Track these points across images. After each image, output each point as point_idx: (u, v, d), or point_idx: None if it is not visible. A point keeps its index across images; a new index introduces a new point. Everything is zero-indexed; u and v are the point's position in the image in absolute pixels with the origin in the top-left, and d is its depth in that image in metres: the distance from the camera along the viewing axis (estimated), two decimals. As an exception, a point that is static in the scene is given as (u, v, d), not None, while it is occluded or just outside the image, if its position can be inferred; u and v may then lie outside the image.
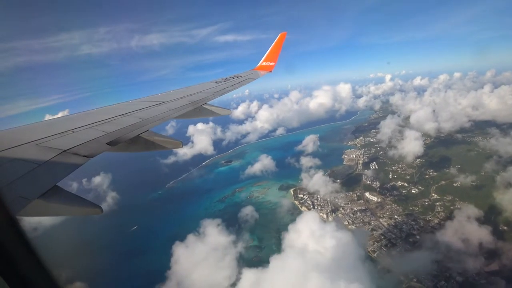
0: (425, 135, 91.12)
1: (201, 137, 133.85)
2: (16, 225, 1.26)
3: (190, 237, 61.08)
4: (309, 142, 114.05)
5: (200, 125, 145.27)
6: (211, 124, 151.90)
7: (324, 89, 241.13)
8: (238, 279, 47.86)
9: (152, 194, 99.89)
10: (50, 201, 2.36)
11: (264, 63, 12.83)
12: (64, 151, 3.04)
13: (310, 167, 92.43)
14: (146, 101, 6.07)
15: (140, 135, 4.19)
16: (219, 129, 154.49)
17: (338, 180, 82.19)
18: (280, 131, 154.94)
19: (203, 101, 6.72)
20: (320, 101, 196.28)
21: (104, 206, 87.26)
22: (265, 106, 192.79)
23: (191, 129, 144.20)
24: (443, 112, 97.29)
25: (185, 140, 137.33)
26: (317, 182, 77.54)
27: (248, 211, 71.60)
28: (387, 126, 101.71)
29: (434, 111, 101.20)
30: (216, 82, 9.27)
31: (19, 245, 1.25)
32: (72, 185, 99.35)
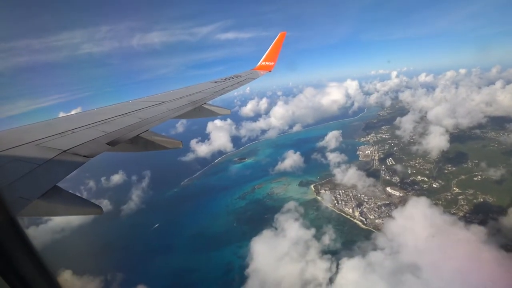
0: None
1: (219, 134, 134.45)
2: (16, 226, 1.27)
3: (266, 233, 61.36)
4: (331, 138, 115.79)
5: (218, 122, 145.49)
6: (229, 121, 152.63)
7: (332, 86, 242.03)
8: (336, 271, 48.50)
9: (168, 192, 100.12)
10: (50, 202, 2.36)
11: (263, 63, 12.90)
12: (64, 151, 3.04)
13: (333, 163, 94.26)
14: (146, 101, 6.12)
15: (140, 135, 4.21)
16: (233, 127, 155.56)
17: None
18: (296, 127, 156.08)
19: (203, 101, 6.76)
20: (331, 98, 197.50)
21: (131, 205, 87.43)
22: (280, 103, 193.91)
23: (210, 126, 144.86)
24: (460, 108, 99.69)
25: (203, 137, 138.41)
26: (353, 176, 79.07)
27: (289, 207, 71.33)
28: (408, 122, 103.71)
29: (450, 107, 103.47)
30: (215, 82, 9.39)
31: (19, 246, 1.26)
32: (89, 183, 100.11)
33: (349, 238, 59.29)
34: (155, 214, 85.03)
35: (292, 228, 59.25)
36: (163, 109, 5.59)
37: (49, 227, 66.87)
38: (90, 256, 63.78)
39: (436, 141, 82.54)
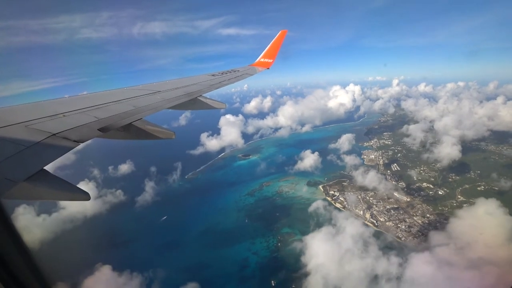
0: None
1: (230, 130, 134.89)
2: (0, 207, 1.26)
3: (324, 229, 61.16)
4: (344, 141, 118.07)
5: (231, 117, 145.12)
6: (240, 117, 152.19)
7: (335, 90, 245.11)
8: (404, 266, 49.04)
9: (173, 185, 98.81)
10: (36, 185, 2.31)
11: (262, 60, 12.85)
12: (54, 134, 3.00)
13: (341, 165, 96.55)
14: (141, 89, 6.06)
15: (132, 123, 4.18)
16: (243, 123, 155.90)
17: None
18: (305, 128, 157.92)
19: (199, 93, 6.74)
20: (337, 101, 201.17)
21: (146, 196, 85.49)
22: (289, 103, 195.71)
23: (223, 120, 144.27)
24: (466, 121, 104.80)
25: (214, 131, 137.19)
26: (374, 179, 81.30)
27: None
28: (419, 131, 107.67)
29: (457, 119, 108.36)
30: (213, 75, 9.29)
31: (2, 226, 1.24)
32: (93, 171, 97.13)
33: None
34: (161, 207, 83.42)
35: (349, 226, 60.19)
36: (157, 98, 5.55)
37: (62, 216, 64.26)
38: (98, 249, 62.33)
39: (448, 151, 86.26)
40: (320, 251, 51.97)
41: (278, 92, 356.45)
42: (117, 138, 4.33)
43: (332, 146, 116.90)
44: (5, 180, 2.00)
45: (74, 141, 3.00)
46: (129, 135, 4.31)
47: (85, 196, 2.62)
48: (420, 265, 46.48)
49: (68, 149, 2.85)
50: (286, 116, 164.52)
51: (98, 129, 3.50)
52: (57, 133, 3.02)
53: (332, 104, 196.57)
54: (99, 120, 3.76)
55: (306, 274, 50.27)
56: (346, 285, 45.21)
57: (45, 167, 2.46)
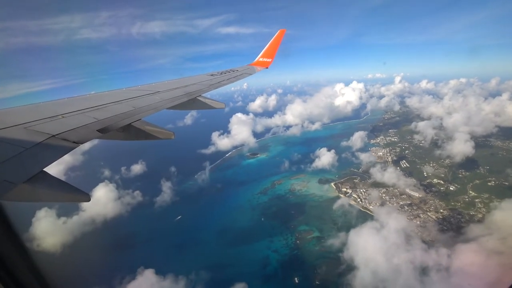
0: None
1: (242, 128, 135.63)
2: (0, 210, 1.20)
3: (368, 224, 62.22)
4: (357, 138, 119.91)
5: (241, 116, 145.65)
6: (251, 115, 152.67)
7: (340, 88, 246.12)
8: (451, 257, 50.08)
9: (183, 185, 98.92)
10: (36, 187, 2.30)
11: (261, 59, 12.84)
12: (53, 136, 3.01)
13: (353, 162, 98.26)
14: (140, 90, 6.08)
15: (132, 123, 4.19)
16: (253, 121, 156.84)
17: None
18: (315, 126, 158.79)
19: (198, 93, 6.77)
20: (343, 99, 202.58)
21: (164, 197, 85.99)
22: (298, 101, 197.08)
23: (234, 119, 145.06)
24: (475, 117, 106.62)
25: (223, 130, 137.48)
26: (385, 175, 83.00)
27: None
28: (429, 128, 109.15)
29: (466, 115, 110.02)
30: (212, 75, 9.33)
31: (1, 227, 1.20)
32: (104, 172, 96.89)
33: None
34: (178, 206, 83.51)
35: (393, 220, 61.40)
36: (157, 98, 5.58)
37: (82, 219, 64.38)
38: (118, 250, 62.66)
39: (461, 147, 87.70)
40: (364, 246, 52.86)
41: (279, 91, 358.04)
42: (117, 139, 4.34)
43: (341, 143, 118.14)
44: (5, 182, 2.01)
45: (74, 142, 3.02)
46: (128, 136, 4.34)
47: (85, 197, 2.64)
48: (468, 254, 47.57)
49: (67, 150, 2.87)
50: (294, 114, 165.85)
51: (97, 130, 3.51)
52: (56, 135, 3.04)
53: (339, 102, 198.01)
54: (98, 121, 3.79)
55: (344, 271, 51.33)
56: (392, 277, 46.25)
57: (45, 168, 2.46)
